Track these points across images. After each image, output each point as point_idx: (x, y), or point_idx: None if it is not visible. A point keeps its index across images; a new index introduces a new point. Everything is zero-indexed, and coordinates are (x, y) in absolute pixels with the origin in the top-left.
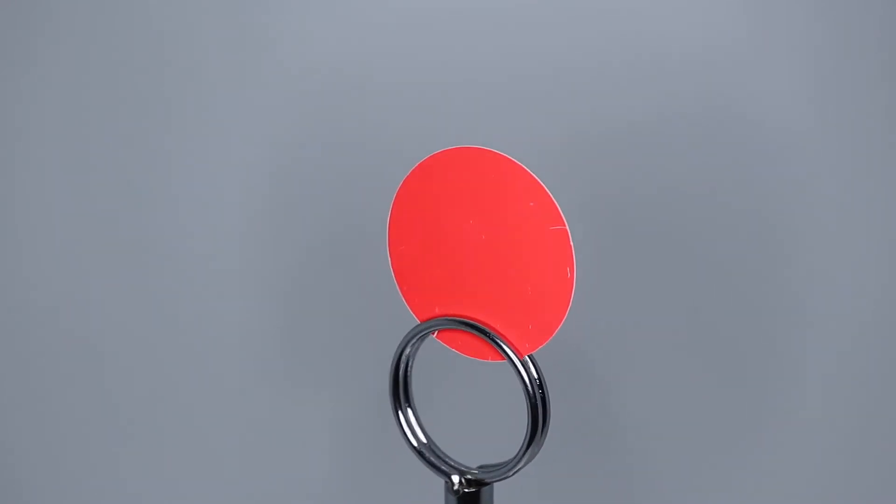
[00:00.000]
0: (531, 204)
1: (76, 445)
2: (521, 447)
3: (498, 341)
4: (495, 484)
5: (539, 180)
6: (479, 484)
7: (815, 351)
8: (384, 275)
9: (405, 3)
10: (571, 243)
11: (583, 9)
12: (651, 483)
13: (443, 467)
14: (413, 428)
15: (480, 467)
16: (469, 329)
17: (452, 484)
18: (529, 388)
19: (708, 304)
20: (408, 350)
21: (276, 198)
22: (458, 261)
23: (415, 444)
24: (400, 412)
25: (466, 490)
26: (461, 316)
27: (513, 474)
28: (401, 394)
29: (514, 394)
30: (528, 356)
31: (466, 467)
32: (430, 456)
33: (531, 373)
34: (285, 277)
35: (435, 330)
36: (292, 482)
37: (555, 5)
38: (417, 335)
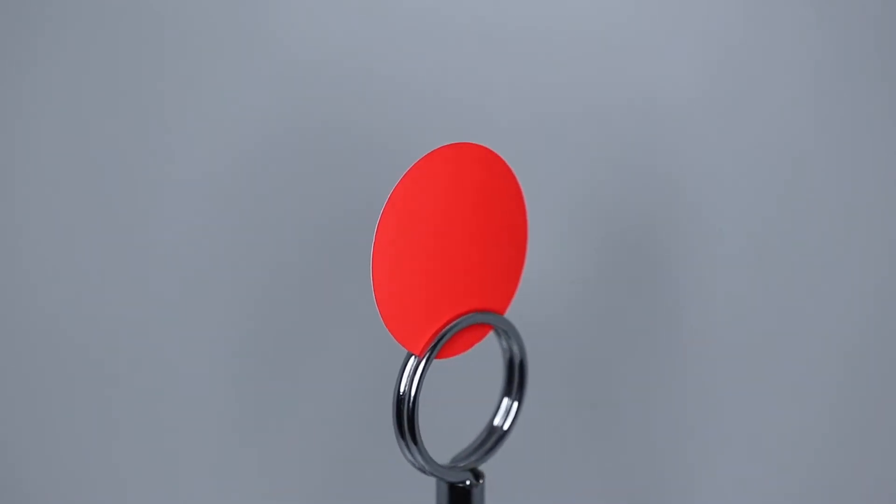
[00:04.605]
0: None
1: (71, 442)
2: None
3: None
4: (490, 484)
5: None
6: (477, 473)
7: (812, 352)
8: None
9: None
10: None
11: (583, 16)
12: (645, 482)
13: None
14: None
15: (455, 458)
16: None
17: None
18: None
19: (702, 305)
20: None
21: (271, 194)
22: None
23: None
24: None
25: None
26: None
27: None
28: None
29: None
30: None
31: (447, 465)
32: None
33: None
34: (284, 274)
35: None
36: (285, 480)
37: (556, 12)
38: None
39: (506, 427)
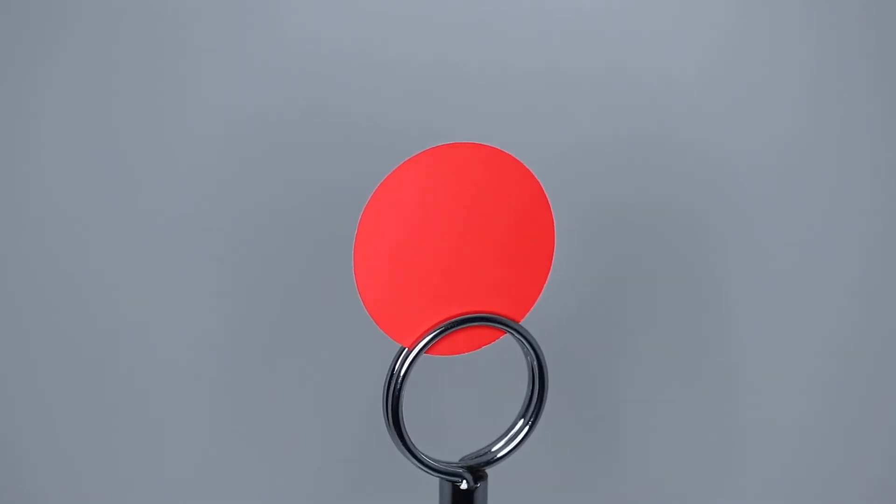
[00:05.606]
0: None
1: (71, 442)
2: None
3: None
4: (490, 485)
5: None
6: (479, 475)
7: (812, 352)
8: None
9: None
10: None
11: (587, 16)
12: (646, 483)
13: (451, 470)
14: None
15: (463, 459)
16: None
17: (469, 483)
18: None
19: (700, 305)
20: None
21: (273, 194)
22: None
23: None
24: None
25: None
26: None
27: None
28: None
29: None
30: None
31: (454, 463)
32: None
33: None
34: (285, 274)
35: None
36: (285, 480)
37: (558, 10)
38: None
39: (506, 451)
